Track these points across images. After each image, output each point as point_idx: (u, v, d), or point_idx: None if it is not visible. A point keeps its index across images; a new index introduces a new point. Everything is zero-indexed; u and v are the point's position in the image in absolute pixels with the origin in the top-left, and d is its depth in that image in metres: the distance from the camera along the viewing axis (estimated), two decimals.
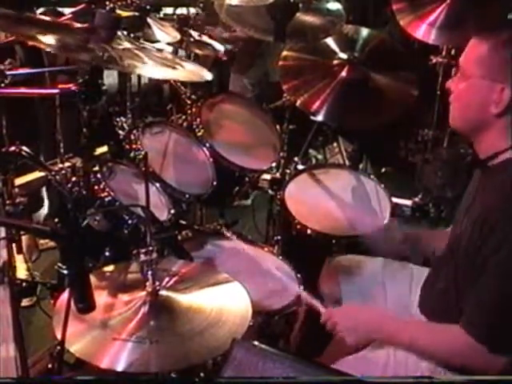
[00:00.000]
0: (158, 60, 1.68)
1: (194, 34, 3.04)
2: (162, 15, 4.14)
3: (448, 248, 1.59)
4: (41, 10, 2.97)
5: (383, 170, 3.98)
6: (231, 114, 2.53)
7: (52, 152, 2.71)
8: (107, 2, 1.77)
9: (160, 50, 1.85)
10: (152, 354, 1.28)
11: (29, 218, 2.83)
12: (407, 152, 3.51)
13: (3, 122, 2.24)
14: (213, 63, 3.84)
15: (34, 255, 2.69)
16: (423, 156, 2.92)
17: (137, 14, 2.46)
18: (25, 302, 2.57)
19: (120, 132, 2.45)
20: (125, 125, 2.50)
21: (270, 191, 2.52)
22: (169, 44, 3.05)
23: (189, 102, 2.56)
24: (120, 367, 1.23)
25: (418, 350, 1.46)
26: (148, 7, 2.63)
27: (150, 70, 1.64)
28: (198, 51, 3.10)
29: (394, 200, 2.34)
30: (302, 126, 2.68)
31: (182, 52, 3.33)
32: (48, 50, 1.55)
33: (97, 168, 1.90)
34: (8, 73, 1.97)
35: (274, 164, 2.41)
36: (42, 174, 2.48)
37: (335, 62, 2.47)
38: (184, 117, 2.60)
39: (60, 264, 1.93)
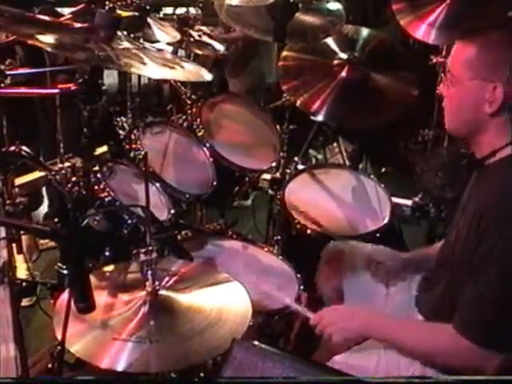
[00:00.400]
0: (158, 60, 1.68)
1: (194, 33, 3.04)
2: (161, 15, 4.15)
3: (445, 248, 1.59)
4: (37, 9, 2.97)
5: (383, 169, 3.98)
6: (231, 114, 2.53)
7: (52, 152, 2.71)
8: (107, 2, 1.77)
9: (160, 50, 1.85)
10: (152, 354, 1.27)
11: (28, 216, 2.83)
12: (407, 152, 3.51)
13: (3, 121, 2.24)
14: (213, 63, 3.84)
15: (34, 255, 2.69)
16: (423, 156, 2.92)
17: (137, 14, 2.46)
18: (25, 302, 2.57)
19: (120, 132, 2.45)
20: (125, 125, 2.50)
21: (269, 191, 2.52)
22: (169, 44, 3.05)
23: (189, 102, 2.56)
24: (120, 367, 1.23)
25: (411, 352, 1.45)
26: (148, 7, 2.63)
27: (149, 70, 1.64)
28: (197, 51, 3.10)
29: (394, 200, 2.34)
30: (302, 126, 2.68)
31: (182, 52, 3.33)
32: (47, 49, 1.55)
33: (97, 168, 1.90)
34: (8, 73, 1.97)
35: (273, 164, 2.41)
36: (42, 173, 2.47)
37: (335, 61, 2.47)
38: (184, 117, 2.60)
39: (60, 264, 1.93)
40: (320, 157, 3.61)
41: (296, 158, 2.52)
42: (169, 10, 4.41)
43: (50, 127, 2.74)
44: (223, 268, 1.88)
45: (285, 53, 2.51)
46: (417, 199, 2.78)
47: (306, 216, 2.19)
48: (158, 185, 2.03)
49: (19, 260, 2.50)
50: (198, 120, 2.35)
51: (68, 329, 1.19)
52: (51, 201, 3.15)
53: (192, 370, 1.50)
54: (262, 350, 1.14)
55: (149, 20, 2.75)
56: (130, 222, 1.85)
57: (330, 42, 2.51)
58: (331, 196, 2.33)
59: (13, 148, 1.80)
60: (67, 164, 2.38)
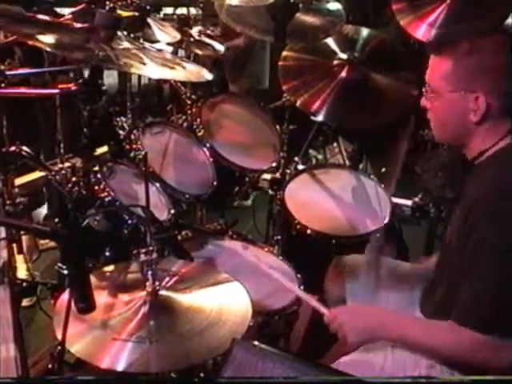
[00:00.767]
0: (158, 60, 1.68)
1: (194, 33, 3.04)
2: (162, 15, 4.15)
3: (443, 249, 1.59)
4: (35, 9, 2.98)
5: (383, 169, 3.98)
6: (231, 114, 2.53)
7: (52, 152, 2.71)
8: (107, 2, 1.77)
9: (160, 50, 1.85)
10: (152, 354, 1.28)
11: (28, 216, 2.83)
12: (407, 152, 3.50)
13: (3, 121, 2.24)
14: (213, 63, 3.84)
15: (34, 255, 2.69)
16: (423, 156, 2.91)
17: (137, 14, 2.46)
18: (25, 302, 2.57)
19: (120, 132, 2.45)
20: (125, 125, 2.50)
21: (269, 191, 2.52)
22: (169, 44, 3.05)
23: (189, 102, 2.56)
24: (120, 367, 1.23)
25: (421, 349, 1.46)
26: (148, 7, 2.63)
27: (149, 70, 1.64)
28: (198, 51, 3.10)
29: (394, 200, 2.34)
30: (302, 126, 2.67)
31: (182, 52, 3.33)
32: (47, 49, 1.55)
33: (97, 168, 1.90)
34: (8, 73, 1.97)
35: (274, 164, 2.41)
36: (42, 173, 2.48)
37: (335, 62, 2.47)
38: (184, 117, 2.60)
39: (60, 264, 1.93)
40: (320, 157, 3.61)
41: (296, 158, 2.52)
42: (169, 10, 4.41)
43: (50, 127, 2.74)
44: (223, 268, 1.88)
45: (285, 53, 2.51)
46: (417, 199, 2.78)
47: (306, 216, 2.18)
48: (157, 185, 2.02)
49: (19, 260, 2.50)
50: (198, 120, 2.35)
51: (68, 329, 1.19)
52: (51, 201, 3.15)
53: (192, 370, 1.50)
54: (262, 350, 1.14)
55: (149, 20, 2.74)
56: (130, 222, 1.85)
57: (330, 42, 2.51)
58: (331, 196, 2.33)
59: (13, 148, 1.80)
60: (67, 164, 2.37)
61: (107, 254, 1.86)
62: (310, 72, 2.48)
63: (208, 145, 2.28)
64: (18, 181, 2.37)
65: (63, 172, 2.11)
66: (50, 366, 1.86)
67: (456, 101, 1.42)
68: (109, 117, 2.50)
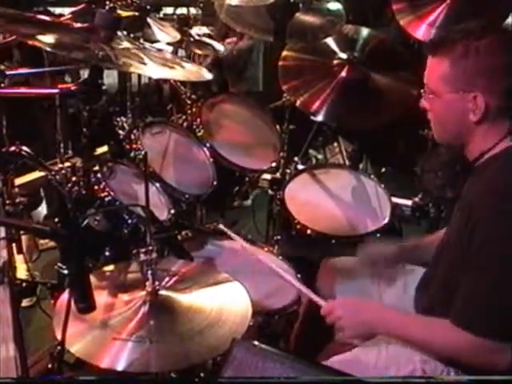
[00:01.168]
0: (158, 60, 1.68)
1: (194, 33, 3.04)
2: (161, 15, 4.14)
3: (441, 248, 1.59)
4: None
5: (383, 169, 3.98)
6: (231, 114, 2.53)
7: (52, 152, 2.71)
8: (107, 2, 1.77)
9: (160, 50, 1.85)
10: (152, 353, 1.28)
11: (28, 216, 2.83)
12: (407, 152, 3.51)
13: (3, 121, 2.24)
14: (213, 63, 3.84)
15: (34, 255, 2.69)
16: (423, 156, 2.91)
17: (137, 13, 2.46)
18: (25, 302, 2.57)
19: (120, 132, 2.45)
20: (125, 125, 2.51)
21: (269, 191, 2.52)
22: (169, 44, 3.05)
23: (189, 102, 2.56)
24: (120, 367, 1.23)
25: (417, 344, 1.46)
26: (148, 7, 2.63)
27: (149, 69, 1.64)
28: (198, 51, 3.10)
29: (394, 200, 2.34)
30: (302, 126, 2.67)
31: (182, 52, 3.33)
32: (47, 49, 1.55)
33: (97, 168, 1.90)
34: (8, 73, 1.97)
35: (274, 164, 2.41)
36: (42, 173, 2.47)
37: (335, 61, 2.47)
38: (184, 117, 2.60)
39: (60, 264, 1.93)
40: (320, 157, 3.61)
41: (296, 158, 2.52)
42: (169, 10, 4.41)
43: (50, 127, 2.74)
44: (223, 268, 1.88)
45: (285, 53, 2.51)
46: (417, 199, 2.78)
47: (306, 216, 2.18)
48: (157, 185, 2.03)
49: (19, 260, 2.49)
50: (198, 120, 2.35)
51: (68, 329, 1.19)
52: (50, 202, 3.15)
53: (192, 370, 1.50)
54: (262, 350, 1.14)
55: (149, 20, 2.75)
56: (130, 221, 1.85)
57: (330, 41, 2.51)
58: (331, 196, 2.33)
59: (13, 148, 1.80)
60: (67, 164, 2.37)
61: (107, 253, 1.86)
62: (310, 72, 2.48)
63: (208, 145, 2.28)
64: (18, 181, 2.37)
65: (63, 172, 2.11)
66: (49, 365, 1.86)
67: (455, 101, 1.42)
68: (109, 117, 2.50)
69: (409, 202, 2.79)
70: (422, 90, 1.51)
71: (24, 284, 2.40)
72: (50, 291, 2.22)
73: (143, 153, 1.82)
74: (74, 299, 1.06)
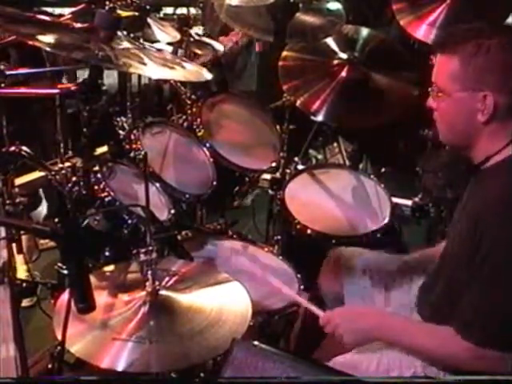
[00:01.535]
0: (158, 60, 1.68)
1: (194, 33, 3.04)
2: (162, 15, 4.14)
3: (445, 253, 1.59)
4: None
5: (383, 169, 3.97)
6: (231, 114, 2.53)
7: (52, 152, 2.71)
8: (107, 2, 1.77)
9: (159, 50, 1.85)
10: (152, 354, 1.28)
11: (28, 217, 2.83)
12: (407, 152, 3.51)
13: (3, 121, 2.24)
14: (213, 63, 3.84)
15: (34, 255, 2.69)
16: (423, 156, 2.91)
17: (137, 13, 2.46)
18: (25, 303, 2.56)
19: (120, 132, 2.44)
20: (125, 125, 2.50)
21: (269, 191, 2.52)
22: (169, 44, 3.05)
23: (189, 102, 2.56)
24: (120, 367, 1.23)
25: (417, 352, 1.46)
26: (148, 7, 2.62)
27: (149, 70, 1.64)
28: (197, 51, 3.10)
29: (394, 200, 2.34)
30: (302, 126, 2.67)
31: (182, 52, 3.32)
32: (47, 49, 1.55)
33: (97, 168, 1.90)
34: (8, 73, 1.97)
35: (273, 164, 2.41)
36: (42, 173, 2.47)
37: (335, 61, 2.47)
38: (184, 117, 2.59)
39: (60, 264, 1.93)
40: (320, 157, 3.61)
41: (296, 158, 2.52)
42: (169, 10, 4.40)
43: (50, 127, 2.74)
44: (223, 268, 1.88)
45: (285, 53, 2.51)
46: (417, 199, 2.78)
47: (306, 216, 2.18)
48: (157, 185, 2.02)
49: (19, 260, 2.49)
50: (198, 120, 2.35)
51: (68, 329, 1.19)
52: (51, 201, 3.15)
53: (192, 370, 1.50)
54: (262, 350, 1.14)
55: (149, 20, 2.74)
56: (130, 222, 1.85)
57: (330, 41, 2.51)
58: (331, 196, 2.33)
59: (13, 148, 1.80)
60: (67, 164, 2.37)
61: (107, 253, 1.86)
62: (310, 72, 2.48)
63: (208, 145, 2.28)
64: (18, 181, 2.37)
65: (63, 172, 2.11)
66: (49, 365, 1.86)
67: (463, 100, 1.40)
68: (109, 117, 2.50)
69: (409, 202, 2.79)
70: (429, 89, 1.50)
71: (24, 284, 2.39)
72: (50, 291, 2.22)
73: (143, 153, 1.82)
74: (74, 299, 1.06)
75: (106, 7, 1.72)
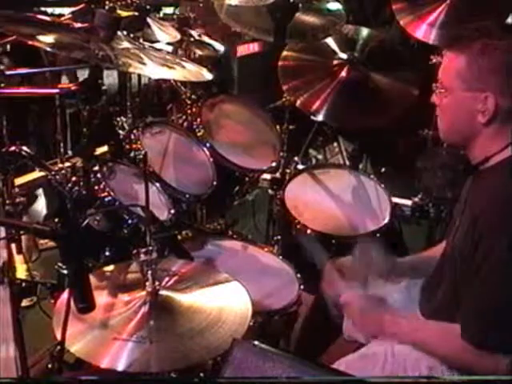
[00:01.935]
0: (158, 60, 1.68)
1: (194, 33, 3.04)
2: (162, 15, 4.14)
3: (446, 253, 1.59)
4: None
5: (383, 169, 3.98)
6: (231, 114, 2.53)
7: (52, 152, 2.71)
8: (107, 2, 1.77)
9: (159, 50, 1.85)
10: (152, 354, 1.28)
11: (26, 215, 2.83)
12: (407, 152, 3.51)
13: (3, 121, 2.24)
14: (213, 63, 3.84)
15: (33, 255, 2.69)
16: (423, 156, 2.92)
17: (137, 13, 2.46)
18: (25, 302, 2.56)
19: (120, 132, 2.44)
20: (125, 125, 2.50)
21: (270, 191, 2.52)
22: (169, 44, 3.05)
23: (189, 102, 2.56)
24: (120, 367, 1.23)
25: (424, 349, 1.47)
26: (148, 7, 2.62)
27: (149, 70, 1.64)
28: (197, 51, 3.10)
29: (394, 200, 2.34)
30: (302, 126, 2.67)
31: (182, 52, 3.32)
32: (47, 49, 1.55)
33: (97, 168, 1.90)
34: (8, 73, 1.97)
35: (274, 164, 2.41)
36: (42, 173, 2.47)
37: (335, 62, 2.47)
38: (184, 117, 2.59)
39: (60, 264, 1.93)
40: (320, 157, 3.61)
41: (296, 158, 2.52)
42: (169, 10, 4.40)
43: (50, 127, 2.74)
44: (223, 268, 1.88)
45: (285, 53, 2.51)
46: (417, 199, 2.78)
47: (306, 216, 2.18)
48: (158, 185, 2.02)
49: (19, 260, 2.49)
50: (198, 120, 2.35)
51: (68, 329, 1.19)
52: (51, 201, 3.15)
53: (192, 370, 1.50)
54: (262, 350, 1.14)
55: (149, 20, 2.74)
56: (130, 222, 1.85)
57: (330, 41, 2.51)
58: (331, 196, 2.33)
59: (13, 148, 1.80)
60: (67, 164, 2.37)
61: (107, 253, 1.86)
62: (310, 72, 2.48)
63: (208, 145, 2.28)
64: (18, 181, 2.37)
65: (63, 172, 2.11)
66: (49, 365, 1.86)
67: (465, 100, 1.40)
68: (109, 117, 2.50)
69: (409, 202, 2.79)
70: (434, 85, 1.50)
71: (24, 284, 2.39)
72: (49, 291, 2.22)
73: (143, 153, 1.82)
74: (74, 299, 1.06)
75: (106, 7, 1.73)
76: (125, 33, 1.70)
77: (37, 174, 2.68)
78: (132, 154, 2.14)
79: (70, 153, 2.84)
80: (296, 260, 2.08)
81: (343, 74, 2.43)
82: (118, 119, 2.50)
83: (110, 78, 4.12)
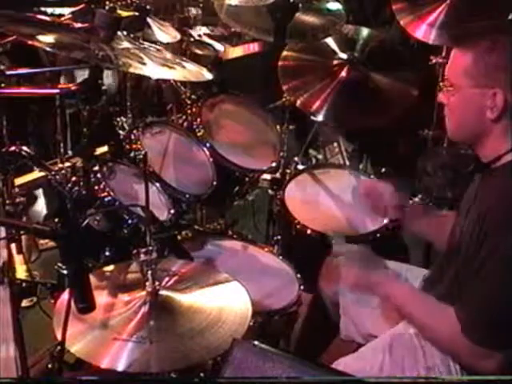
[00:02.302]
0: (158, 60, 1.68)
1: (194, 33, 3.04)
2: (161, 15, 4.14)
3: (449, 249, 1.59)
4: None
5: (383, 170, 3.97)
6: (231, 114, 2.53)
7: (52, 152, 2.71)
8: (107, 2, 1.77)
9: (159, 50, 1.85)
10: (152, 354, 1.28)
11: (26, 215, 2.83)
12: (407, 152, 3.51)
13: (3, 121, 2.24)
14: (213, 63, 3.84)
15: (33, 255, 2.69)
16: (423, 156, 2.92)
17: (137, 13, 2.46)
18: (25, 303, 2.56)
19: (120, 132, 2.45)
20: (125, 125, 2.50)
21: (270, 191, 2.52)
22: (169, 44, 3.04)
23: (189, 102, 2.56)
24: (120, 367, 1.23)
25: (415, 323, 1.50)
26: (148, 7, 2.62)
27: (149, 69, 1.64)
28: (197, 51, 3.10)
29: None
30: (302, 126, 2.67)
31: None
32: (47, 49, 1.55)
33: (97, 168, 1.90)
34: (8, 73, 1.97)
35: (274, 164, 2.41)
36: (42, 173, 2.47)
37: (335, 62, 2.47)
38: (184, 117, 2.59)
39: (60, 264, 1.93)
40: (320, 157, 3.61)
41: (296, 158, 2.52)
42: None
43: (49, 127, 2.74)
44: (223, 268, 1.88)
45: (285, 53, 2.51)
46: (417, 199, 2.78)
47: (306, 216, 2.18)
48: (158, 185, 2.02)
49: (19, 260, 2.49)
50: (198, 120, 2.35)
51: (68, 329, 1.18)
52: (50, 201, 3.15)
53: (192, 370, 1.50)
54: (262, 350, 1.14)
55: (149, 20, 2.74)
56: (130, 222, 1.85)
57: (330, 41, 2.51)
58: (331, 196, 2.33)
59: (13, 148, 1.80)
60: (67, 164, 2.38)
61: (107, 253, 1.86)
62: (310, 72, 2.48)
63: (208, 145, 2.28)
64: (18, 181, 2.37)
65: (63, 172, 2.11)
66: (49, 365, 1.87)
67: (474, 97, 1.40)
68: (109, 117, 2.50)
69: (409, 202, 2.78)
70: (441, 83, 1.49)
71: (24, 284, 2.39)
72: (49, 291, 2.22)
73: (143, 153, 1.82)
74: (74, 299, 1.06)
75: (106, 7, 1.73)
76: (125, 33, 1.70)
77: (37, 174, 2.67)
78: (132, 154, 2.14)
79: (70, 153, 2.83)
80: (296, 260, 2.08)
81: (343, 73, 2.43)
82: (118, 119, 2.51)
83: (109, 78, 4.12)
